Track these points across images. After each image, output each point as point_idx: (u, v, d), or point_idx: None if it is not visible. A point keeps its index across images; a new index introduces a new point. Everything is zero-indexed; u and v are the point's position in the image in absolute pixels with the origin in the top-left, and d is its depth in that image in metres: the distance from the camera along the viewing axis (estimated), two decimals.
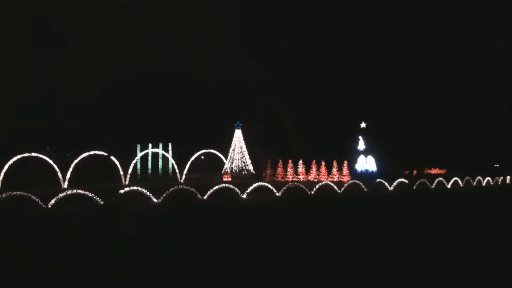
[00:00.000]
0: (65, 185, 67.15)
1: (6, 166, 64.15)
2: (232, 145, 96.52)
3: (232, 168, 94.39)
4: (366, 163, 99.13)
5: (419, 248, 24.25)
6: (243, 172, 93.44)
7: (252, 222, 36.91)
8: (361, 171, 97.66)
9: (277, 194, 59.12)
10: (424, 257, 21.94)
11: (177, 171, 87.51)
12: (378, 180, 74.28)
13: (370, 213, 45.27)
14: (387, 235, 29.34)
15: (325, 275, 18.86)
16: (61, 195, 44.54)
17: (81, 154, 70.63)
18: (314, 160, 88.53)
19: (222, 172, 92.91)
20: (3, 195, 43.23)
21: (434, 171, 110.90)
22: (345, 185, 69.00)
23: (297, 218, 39.20)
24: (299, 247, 24.76)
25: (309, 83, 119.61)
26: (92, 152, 71.75)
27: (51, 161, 67.06)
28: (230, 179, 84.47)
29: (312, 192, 62.17)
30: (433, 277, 18.44)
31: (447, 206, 52.89)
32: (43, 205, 43.16)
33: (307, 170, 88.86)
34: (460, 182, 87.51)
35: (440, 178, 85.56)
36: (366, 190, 69.23)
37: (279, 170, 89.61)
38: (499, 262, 21.19)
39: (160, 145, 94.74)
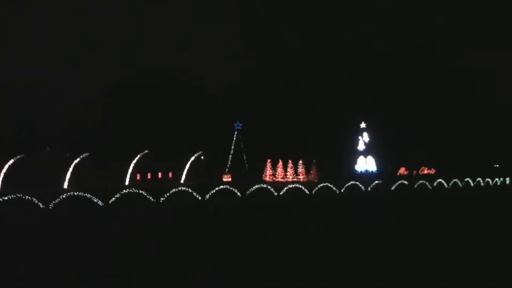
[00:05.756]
0: (65, 185, 67.10)
1: (6, 167, 64.03)
2: (232, 145, 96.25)
3: (231, 168, 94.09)
4: (366, 163, 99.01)
5: (419, 248, 24.29)
6: (243, 172, 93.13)
7: None
8: (361, 171, 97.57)
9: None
10: (424, 257, 21.97)
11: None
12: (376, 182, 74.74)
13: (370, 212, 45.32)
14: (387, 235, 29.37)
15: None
16: (62, 196, 44.71)
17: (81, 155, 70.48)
18: (314, 161, 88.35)
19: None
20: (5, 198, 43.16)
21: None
22: (345, 185, 69.54)
23: None
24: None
25: (309, 83, 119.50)
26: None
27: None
28: (230, 179, 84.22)
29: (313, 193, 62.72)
30: (432, 277, 18.45)
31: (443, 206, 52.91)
32: (43, 206, 43.17)
33: (307, 171, 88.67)
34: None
35: (441, 180, 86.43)
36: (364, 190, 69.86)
37: (279, 170, 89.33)
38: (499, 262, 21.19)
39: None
